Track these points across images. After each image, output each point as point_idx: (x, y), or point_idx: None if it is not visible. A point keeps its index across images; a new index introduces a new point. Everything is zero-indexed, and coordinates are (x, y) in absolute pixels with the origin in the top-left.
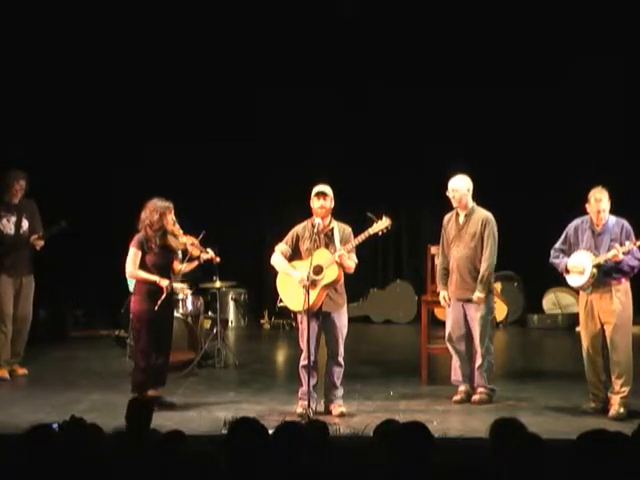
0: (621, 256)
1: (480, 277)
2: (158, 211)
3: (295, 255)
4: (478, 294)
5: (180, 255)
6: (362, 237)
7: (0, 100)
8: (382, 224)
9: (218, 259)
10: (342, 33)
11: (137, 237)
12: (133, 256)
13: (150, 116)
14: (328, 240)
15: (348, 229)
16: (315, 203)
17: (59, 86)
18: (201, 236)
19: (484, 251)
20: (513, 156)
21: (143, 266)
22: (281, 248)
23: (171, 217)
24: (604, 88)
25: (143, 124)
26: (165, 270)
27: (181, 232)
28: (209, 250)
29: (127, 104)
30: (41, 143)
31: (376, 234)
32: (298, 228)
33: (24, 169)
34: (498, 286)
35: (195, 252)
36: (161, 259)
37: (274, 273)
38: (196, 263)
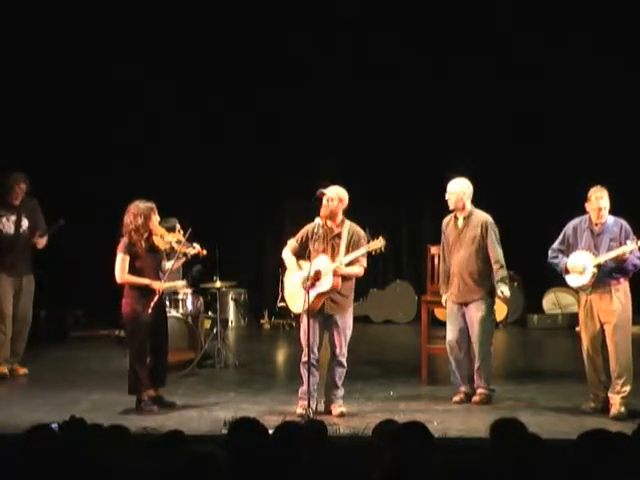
0: (628, 254)
1: (498, 277)
2: (142, 214)
3: (305, 253)
4: (504, 289)
5: (179, 255)
6: (357, 254)
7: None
8: (376, 244)
9: (205, 252)
10: (340, 32)
11: (123, 242)
12: (121, 262)
13: (151, 116)
14: (336, 243)
15: (358, 234)
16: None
17: (60, 83)
18: (187, 233)
19: (491, 253)
20: (513, 156)
21: (132, 270)
22: (291, 244)
23: (155, 217)
24: (603, 87)
25: (144, 124)
26: (154, 272)
27: (165, 231)
28: (195, 245)
29: (128, 104)
30: (42, 141)
31: (370, 253)
32: (310, 226)
33: (25, 168)
34: None
35: (182, 249)
36: (149, 261)
37: (274, 273)
38: (183, 259)
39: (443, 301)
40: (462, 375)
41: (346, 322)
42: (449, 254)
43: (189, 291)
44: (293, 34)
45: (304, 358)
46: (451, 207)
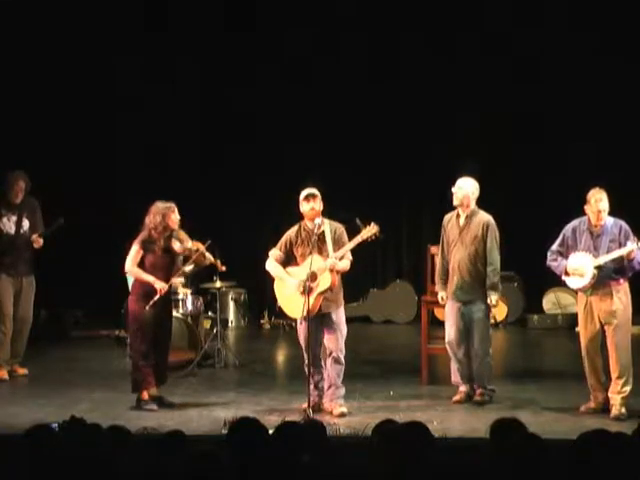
0: (636, 252)
1: (489, 283)
2: (160, 213)
3: (290, 260)
4: (493, 298)
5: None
6: (352, 244)
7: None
8: (370, 230)
9: (224, 268)
10: (342, 32)
11: (142, 235)
12: (134, 253)
13: (153, 116)
14: (321, 243)
15: (340, 229)
16: (305, 206)
17: (61, 81)
18: (207, 244)
19: (488, 255)
20: (513, 156)
21: (142, 266)
22: (274, 254)
23: (175, 216)
24: (603, 86)
25: (146, 124)
26: (163, 272)
27: (187, 237)
28: (210, 257)
29: (130, 103)
30: (43, 141)
31: (365, 240)
32: (290, 233)
33: (25, 167)
34: None
35: (200, 259)
36: (161, 261)
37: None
38: (194, 266)
39: (439, 298)
40: (463, 374)
41: (340, 318)
42: (449, 252)
43: (189, 291)
44: (291, 32)
45: (306, 360)
46: (455, 203)
